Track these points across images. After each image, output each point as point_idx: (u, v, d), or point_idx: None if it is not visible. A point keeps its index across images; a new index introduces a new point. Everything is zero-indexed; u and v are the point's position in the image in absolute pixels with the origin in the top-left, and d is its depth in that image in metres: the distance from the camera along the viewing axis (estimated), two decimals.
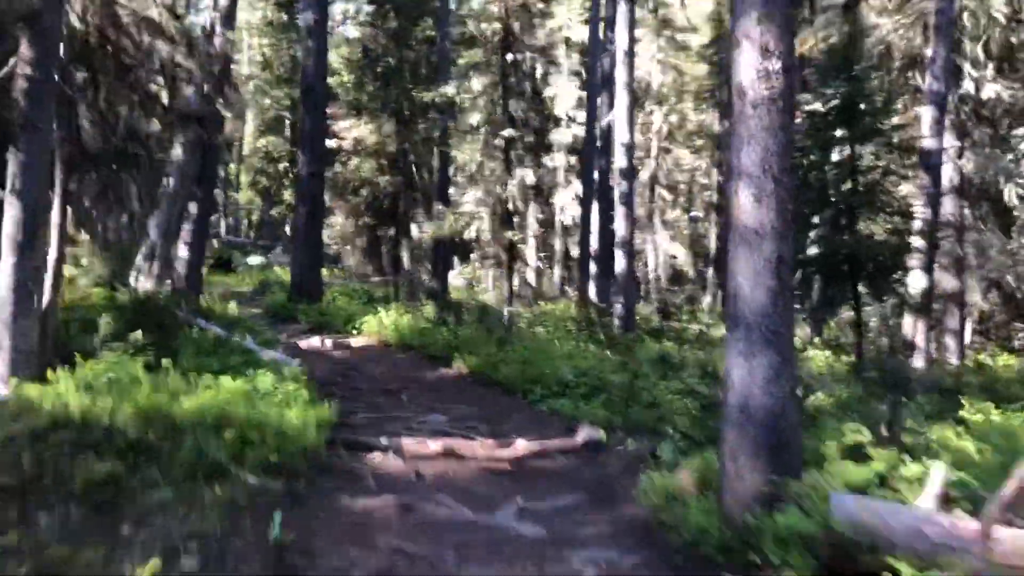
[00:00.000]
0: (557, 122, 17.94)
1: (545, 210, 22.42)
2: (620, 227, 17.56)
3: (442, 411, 9.37)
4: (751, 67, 5.22)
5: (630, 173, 17.60)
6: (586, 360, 12.35)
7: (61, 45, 7.99)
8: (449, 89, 16.12)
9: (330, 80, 22.10)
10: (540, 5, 15.21)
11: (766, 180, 5.18)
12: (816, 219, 13.06)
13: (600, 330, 16.83)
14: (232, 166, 55.52)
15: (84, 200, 11.80)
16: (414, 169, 19.93)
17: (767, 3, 5.21)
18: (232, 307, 15.94)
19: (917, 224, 13.65)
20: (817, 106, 11.90)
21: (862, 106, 11.49)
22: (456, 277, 29.02)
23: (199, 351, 9.57)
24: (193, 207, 14.74)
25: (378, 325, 15.96)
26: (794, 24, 8.22)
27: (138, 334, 8.39)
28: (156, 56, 9.96)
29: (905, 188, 14.30)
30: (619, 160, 17.62)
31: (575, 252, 28.63)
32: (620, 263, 17.59)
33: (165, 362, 7.11)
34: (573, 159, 26.00)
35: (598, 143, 22.18)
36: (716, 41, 27.28)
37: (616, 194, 17.74)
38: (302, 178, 19.45)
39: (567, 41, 21.78)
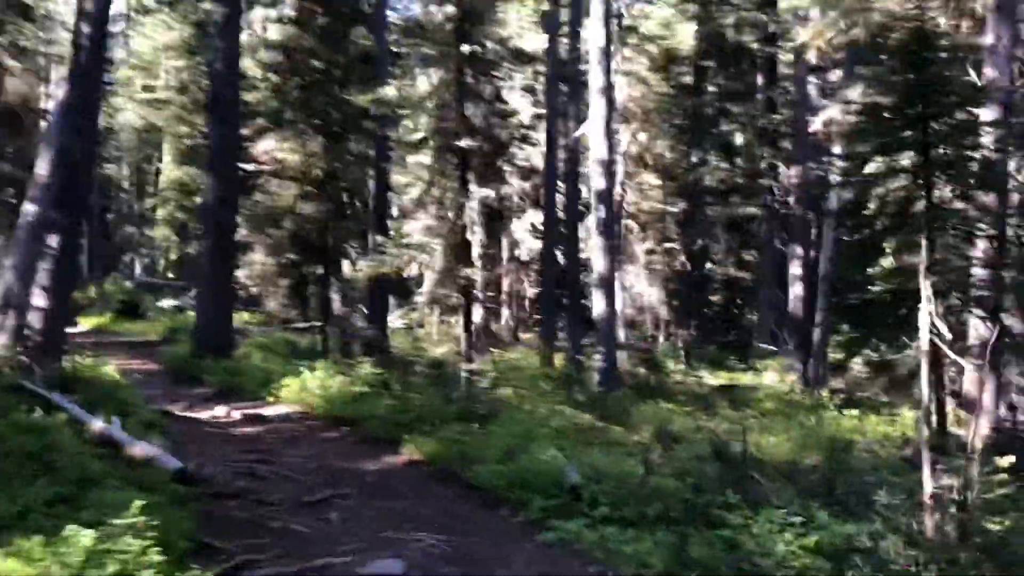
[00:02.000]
0: (525, 137, 14.82)
1: (491, 242, 19.21)
2: (598, 261, 14.52)
3: (395, 545, 6.07)
4: None
5: (608, 196, 14.62)
6: (586, 441, 9.20)
7: None
8: (389, 91, 12.91)
9: (249, 96, 18.74)
10: None
11: None
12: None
13: (579, 389, 13.68)
14: (149, 200, 51.39)
15: None
16: (345, 195, 16.59)
17: None
18: (109, 370, 12.33)
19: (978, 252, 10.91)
20: (879, 99, 9.03)
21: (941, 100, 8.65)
22: (396, 320, 25.59)
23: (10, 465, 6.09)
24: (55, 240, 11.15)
25: (301, 389, 12.53)
26: None
27: None
28: None
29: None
30: (595, 180, 14.63)
31: (529, 291, 25.55)
32: (599, 305, 14.51)
33: None
34: (527, 184, 22.98)
35: (559, 164, 19.22)
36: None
37: (593, 221, 14.73)
38: (208, 206, 15.97)
39: (518, 53, 18.71)
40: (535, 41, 22.00)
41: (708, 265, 36.16)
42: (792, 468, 7.76)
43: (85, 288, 39.08)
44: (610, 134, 14.61)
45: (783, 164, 28.15)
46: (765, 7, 28.52)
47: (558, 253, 20.35)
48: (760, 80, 29.39)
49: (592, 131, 14.52)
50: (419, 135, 12.48)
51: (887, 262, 10.76)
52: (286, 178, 17.03)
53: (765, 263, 29.35)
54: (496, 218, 12.53)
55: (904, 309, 10.00)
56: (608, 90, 14.54)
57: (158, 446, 8.09)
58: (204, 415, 11.99)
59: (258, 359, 14.67)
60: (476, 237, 11.97)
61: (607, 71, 14.48)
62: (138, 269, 52.38)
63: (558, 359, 19.17)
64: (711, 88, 31.73)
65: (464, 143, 11.99)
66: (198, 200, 37.13)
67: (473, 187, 12.20)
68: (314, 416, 11.75)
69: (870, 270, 10.85)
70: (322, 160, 16.28)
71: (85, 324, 29.54)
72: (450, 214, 12.28)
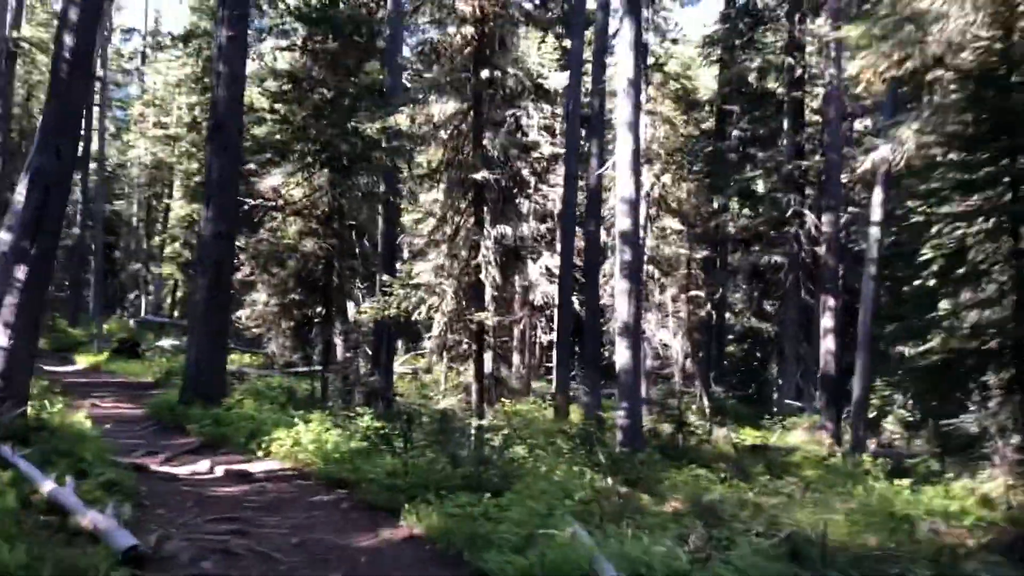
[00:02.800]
0: (544, 171, 13.71)
1: (506, 285, 18.04)
2: (622, 307, 13.29)
3: None
4: None
5: (635, 237, 13.43)
6: (613, 515, 7.88)
7: None
8: (400, 119, 11.86)
9: (257, 130, 17.80)
10: (527, 4, 11.20)
11: None
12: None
13: (600, 449, 12.37)
14: (157, 239, 50.56)
15: None
16: (352, 232, 15.48)
17: None
18: (80, 417, 11.14)
19: None
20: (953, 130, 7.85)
21: None
22: (402, 365, 24.36)
23: None
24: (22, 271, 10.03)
25: (294, 443, 11.27)
26: None
27: None
28: None
29: None
30: (620, 220, 13.47)
31: (543, 337, 24.33)
32: (622, 355, 13.26)
33: None
34: (543, 226, 21.88)
35: (578, 204, 18.12)
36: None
37: (616, 264, 13.52)
38: (204, 240, 14.87)
39: (538, 88, 17.70)
40: (556, 80, 21.07)
41: (727, 315, 34.96)
42: (870, 561, 6.42)
43: (88, 325, 38.14)
44: (637, 170, 13.50)
45: (809, 211, 27.08)
46: (792, 51, 27.69)
47: (575, 299, 19.18)
48: (786, 125, 28.44)
49: (618, 167, 13.41)
50: (431, 167, 11.38)
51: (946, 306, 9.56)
52: (290, 213, 16.00)
53: (789, 314, 28.10)
54: (512, 258, 11.39)
55: (982, 372, 8.75)
56: (636, 125, 13.45)
57: (114, 515, 6.87)
58: (184, 470, 10.75)
59: (251, 407, 13.44)
60: (490, 278, 10.80)
61: (636, 104, 13.41)
62: (143, 307, 51.47)
63: (574, 412, 17.88)
64: (735, 132, 30.86)
65: (480, 176, 10.91)
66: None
67: (488, 225, 11.05)
68: (306, 474, 10.48)
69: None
70: (328, 195, 15.23)
71: (82, 362, 28.43)
72: (463, 253, 11.15)
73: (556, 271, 20.21)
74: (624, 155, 13.43)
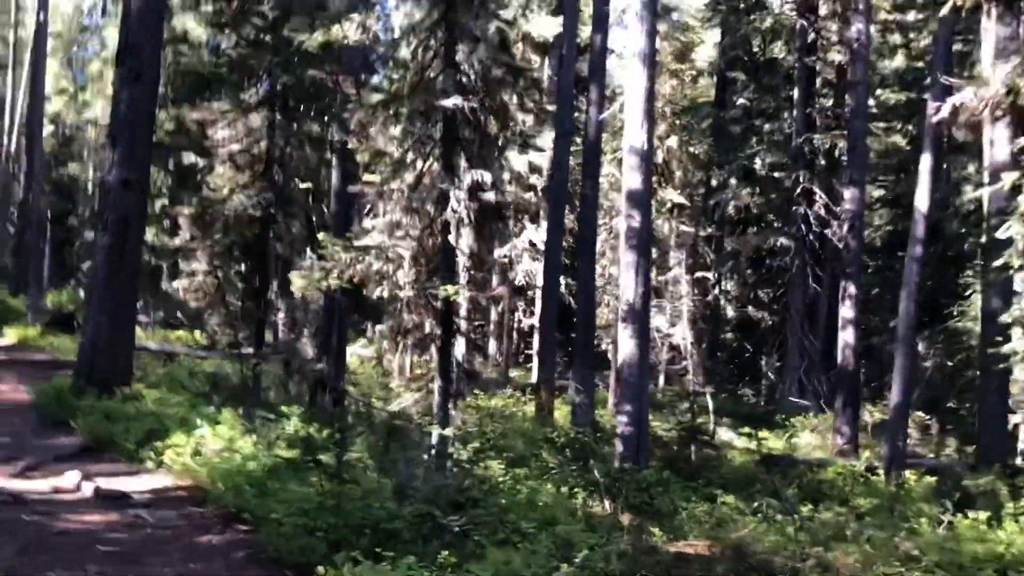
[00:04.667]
0: (539, 97, 10.92)
1: (482, 253, 15.29)
2: (628, 285, 10.60)
3: None
4: None
5: (646, 198, 10.70)
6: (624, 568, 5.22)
7: None
8: (350, 28, 9.00)
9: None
10: None
11: None
12: None
13: (597, 465, 9.66)
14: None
15: None
16: (295, 187, 12.67)
17: None
18: None
19: None
20: None
21: None
22: (362, 348, 21.53)
23: None
24: None
25: (194, 452, 8.48)
26: None
27: None
28: None
29: None
30: (628, 177, 10.74)
31: (524, 322, 21.63)
32: (626, 346, 10.57)
33: None
34: (526, 195, 19.11)
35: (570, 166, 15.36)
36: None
37: (622, 231, 10.83)
38: (108, 189, 11.98)
39: (525, 38, 14.83)
40: (544, 26, 18.12)
41: (721, 303, 32.40)
42: None
43: (40, 296, 34.89)
44: (650, 113, 10.76)
45: (818, 188, 24.50)
46: (805, 11, 24.96)
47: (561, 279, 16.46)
48: (795, 94, 25.81)
49: (627, 109, 10.67)
50: (389, 93, 8.59)
51: None
52: (224, 163, 13.15)
53: (794, 303, 25.56)
54: (491, 217, 8.64)
55: None
56: (651, 57, 10.70)
57: None
58: (39, 488, 7.95)
59: (158, 398, 10.60)
60: (463, 242, 8.08)
61: (650, 31, 10.67)
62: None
63: (559, 410, 15.21)
64: (740, 101, 28.21)
65: (451, 103, 8.11)
66: (158, 206, 32.44)
67: (461, 170, 8.30)
68: (201, 499, 7.71)
69: None
70: (264, 137, 12.40)
71: (10, 336, 25.33)
72: (427, 207, 8.37)
73: (541, 246, 17.50)
74: (635, 95, 10.68)
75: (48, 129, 40.86)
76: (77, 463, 8.93)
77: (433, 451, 8.11)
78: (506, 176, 8.60)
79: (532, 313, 25.21)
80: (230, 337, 16.11)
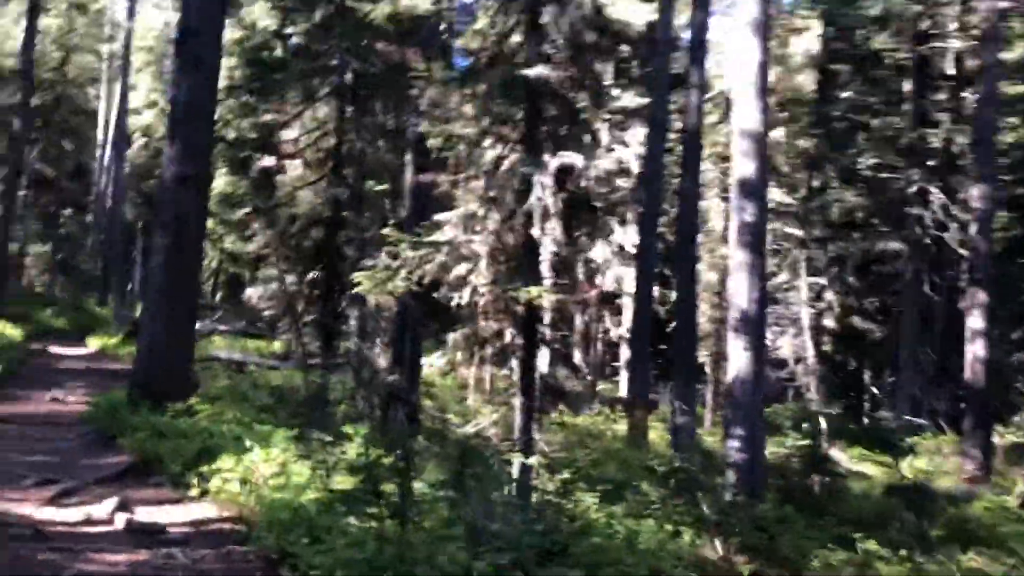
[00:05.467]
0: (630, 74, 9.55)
1: (571, 250, 13.95)
2: (740, 290, 9.16)
3: None
4: None
5: (760, 187, 9.24)
6: None
7: None
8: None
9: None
10: None
11: None
12: None
13: (705, 498, 8.23)
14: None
15: None
16: (367, 181, 11.63)
17: None
18: None
19: None
20: None
21: None
22: (439, 359, 20.45)
23: None
24: None
25: (243, 478, 7.41)
26: None
27: None
28: None
29: None
30: (740, 164, 9.33)
31: (613, 331, 20.21)
32: (739, 360, 9.12)
33: None
34: (614, 193, 17.67)
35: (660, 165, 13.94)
36: None
37: (733, 227, 9.38)
38: (165, 187, 11.15)
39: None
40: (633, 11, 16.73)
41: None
42: None
43: (131, 304, 35.09)
44: (764, 91, 9.31)
45: (934, 188, 22.40)
46: None
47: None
48: (908, 87, 23.81)
49: (738, 88, 9.25)
50: (467, 54, 7.41)
51: None
52: (283, 157, 12.23)
53: (907, 312, 23.49)
54: (582, 208, 7.35)
55: None
56: (764, 27, 9.27)
57: None
58: (70, 517, 6.98)
59: (207, 415, 9.62)
60: (548, 237, 6.80)
61: None
62: None
63: (654, 430, 13.79)
64: (843, 95, 26.21)
65: (535, 73, 6.84)
66: (240, 212, 31.93)
67: (547, 152, 7.04)
68: (244, 535, 6.61)
69: None
70: (333, 130, 11.41)
71: (93, 345, 25.25)
72: (507, 196, 7.13)
73: (631, 249, 16.10)
74: (747, 69, 9.26)
75: (139, 142, 41.40)
76: (118, 487, 7.99)
77: (514, 483, 6.85)
78: (602, 163, 7.28)
79: (619, 323, 23.79)
80: (300, 346, 15.20)
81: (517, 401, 7.31)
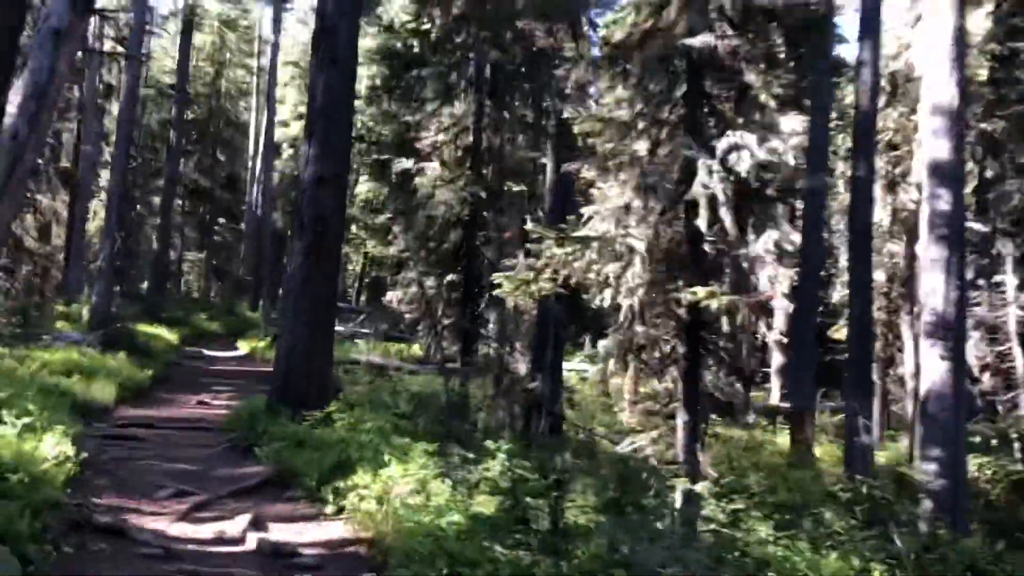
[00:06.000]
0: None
1: (741, 245, 12.82)
2: (934, 290, 7.92)
3: None
4: None
5: (957, 170, 7.99)
6: None
7: None
8: None
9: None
10: None
11: None
12: None
13: (899, 532, 7.08)
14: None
15: None
16: (504, 180, 11.00)
17: None
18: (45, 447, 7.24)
19: None
20: None
21: None
22: (581, 364, 19.67)
23: None
24: None
25: (379, 497, 6.87)
26: None
27: None
28: None
29: None
30: (931, 144, 8.09)
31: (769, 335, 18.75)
32: (934, 371, 7.92)
33: None
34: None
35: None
36: None
37: (924, 217, 8.15)
38: (303, 188, 10.89)
39: None
40: None
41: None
42: None
43: (273, 309, 36.18)
44: (960, 59, 8.03)
45: None
46: None
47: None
48: None
49: (928, 56, 8.02)
50: (617, 40, 6.61)
51: None
52: (423, 156, 11.78)
53: None
54: (755, 197, 6.39)
55: None
56: None
57: None
58: (204, 532, 6.64)
59: (345, 424, 9.19)
60: (716, 226, 5.92)
61: None
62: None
63: (820, 445, 12.55)
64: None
65: (700, 42, 5.96)
66: (380, 219, 32.14)
67: (712, 134, 6.17)
68: (380, 562, 6.03)
69: None
70: (471, 126, 10.84)
71: (243, 348, 26.00)
72: (665, 184, 6.28)
73: (786, 246, 14.77)
74: (940, 36, 8.02)
75: (287, 152, 42.71)
76: (254, 501, 7.64)
77: (676, 512, 5.98)
78: (777, 143, 6.29)
79: (770, 325, 22.15)
80: (439, 350, 14.76)
81: (680, 419, 6.43)
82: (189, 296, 41.99)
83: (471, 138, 11.14)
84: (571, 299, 10.32)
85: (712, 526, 6.20)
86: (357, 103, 32.96)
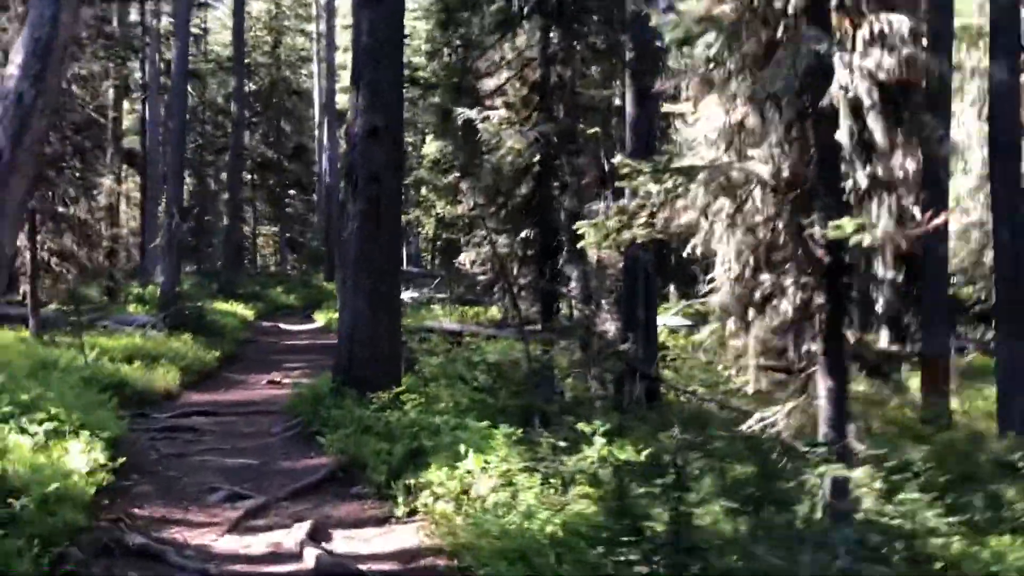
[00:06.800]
0: None
1: (892, 156, 11.12)
2: None
3: None
4: None
5: None
6: None
7: None
8: None
9: None
10: None
11: None
12: None
13: None
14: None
15: None
16: (579, 118, 9.66)
17: None
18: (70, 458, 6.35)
19: None
20: None
21: None
22: (673, 318, 18.29)
23: None
24: None
25: (456, 496, 5.78)
26: None
27: None
28: None
29: None
30: None
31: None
32: None
33: None
34: None
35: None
36: None
37: None
38: (352, 144, 9.77)
39: None
40: None
41: None
42: None
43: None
44: None
45: None
46: None
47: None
48: None
49: None
50: None
51: None
52: (487, 95, 10.54)
53: None
54: (907, 100, 4.95)
55: None
56: None
57: None
58: (256, 546, 5.67)
59: (416, 406, 8.09)
60: (856, 137, 4.57)
61: None
62: (404, 258, 49.11)
63: (955, 395, 10.98)
64: None
65: None
66: (449, 178, 30.72)
67: (851, 19, 4.79)
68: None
69: None
70: (537, 60, 9.51)
71: (319, 320, 25.30)
72: (781, 100, 4.93)
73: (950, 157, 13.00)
74: None
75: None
76: (316, 501, 6.65)
77: (823, 503, 4.72)
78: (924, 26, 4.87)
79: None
80: (516, 312, 13.55)
81: (822, 385, 5.12)
82: (265, 270, 41.83)
83: (537, 73, 9.80)
84: (662, 249, 9.02)
85: (867, 516, 4.92)
86: (415, 57, 31.58)
